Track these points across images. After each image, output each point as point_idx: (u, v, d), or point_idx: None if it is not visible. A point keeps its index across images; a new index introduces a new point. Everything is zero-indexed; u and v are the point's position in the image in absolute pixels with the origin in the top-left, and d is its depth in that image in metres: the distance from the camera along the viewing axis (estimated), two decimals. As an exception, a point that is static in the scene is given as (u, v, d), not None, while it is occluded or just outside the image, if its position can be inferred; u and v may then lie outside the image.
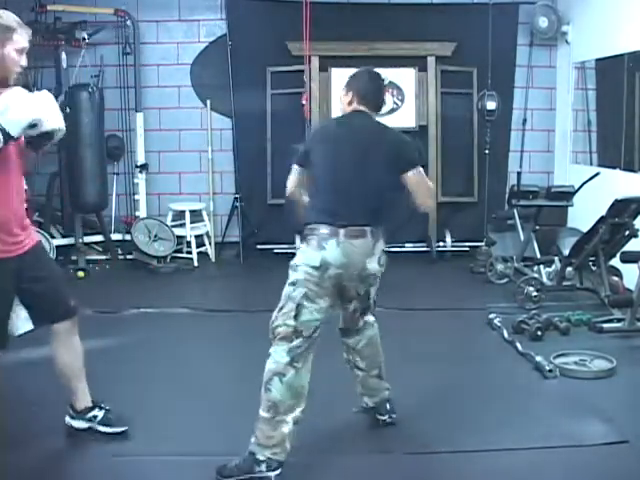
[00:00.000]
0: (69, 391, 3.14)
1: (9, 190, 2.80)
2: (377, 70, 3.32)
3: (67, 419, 3.18)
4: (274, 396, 2.84)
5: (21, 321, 2.94)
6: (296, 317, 2.89)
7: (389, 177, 3.03)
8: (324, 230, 2.92)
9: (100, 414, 3.15)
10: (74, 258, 6.49)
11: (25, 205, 2.95)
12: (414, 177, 3.05)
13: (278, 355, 2.88)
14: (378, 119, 3.29)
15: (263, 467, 2.83)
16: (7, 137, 2.61)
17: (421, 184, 3.08)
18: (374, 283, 3.13)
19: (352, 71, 3.05)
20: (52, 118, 2.73)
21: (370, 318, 3.27)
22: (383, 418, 3.32)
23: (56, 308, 3.00)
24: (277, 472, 2.84)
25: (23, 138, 2.80)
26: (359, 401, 3.37)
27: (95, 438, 3.14)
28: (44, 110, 2.70)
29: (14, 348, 3.10)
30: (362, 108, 3.16)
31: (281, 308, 2.93)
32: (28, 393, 3.58)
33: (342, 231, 2.92)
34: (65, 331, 3.03)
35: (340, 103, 3.24)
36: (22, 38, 2.78)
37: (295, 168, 3.17)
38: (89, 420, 3.15)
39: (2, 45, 2.72)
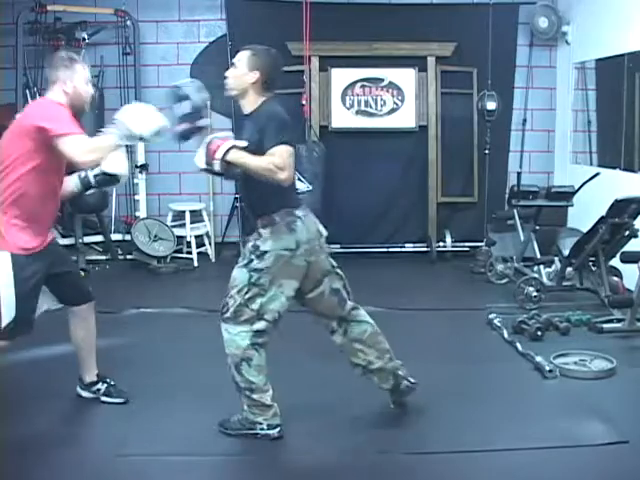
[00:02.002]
0: (80, 364, 3.51)
1: (54, 190, 3.18)
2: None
3: (77, 389, 3.55)
4: (247, 378, 3.08)
5: (50, 299, 3.31)
6: (261, 303, 3.05)
7: None
8: (288, 214, 3.08)
9: (103, 387, 3.52)
10: (74, 258, 6.47)
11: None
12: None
13: (241, 339, 3.06)
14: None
15: (264, 426, 3.13)
16: (139, 138, 3.04)
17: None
18: (326, 249, 3.27)
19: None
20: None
21: (361, 312, 3.37)
22: (405, 385, 3.40)
23: (78, 294, 3.40)
24: (277, 430, 3.13)
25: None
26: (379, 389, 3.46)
27: (99, 438, 3.15)
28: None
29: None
30: (271, 94, 3.19)
31: (245, 293, 3.05)
32: (29, 390, 3.59)
33: (299, 210, 3.12)
34: (84, 312, 3.41)
35: (236, 78, 3.13)
36: (85, 70, 3.21)
37: (288, 148, 3.00)
38: (94, 392, 3.52)
39: (71, 79, 3.15)
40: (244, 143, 3.01)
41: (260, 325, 3.06)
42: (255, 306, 3.05)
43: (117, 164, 3.22)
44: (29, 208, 3.06)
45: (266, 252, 3.04)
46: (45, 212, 3.16)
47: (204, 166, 3.11)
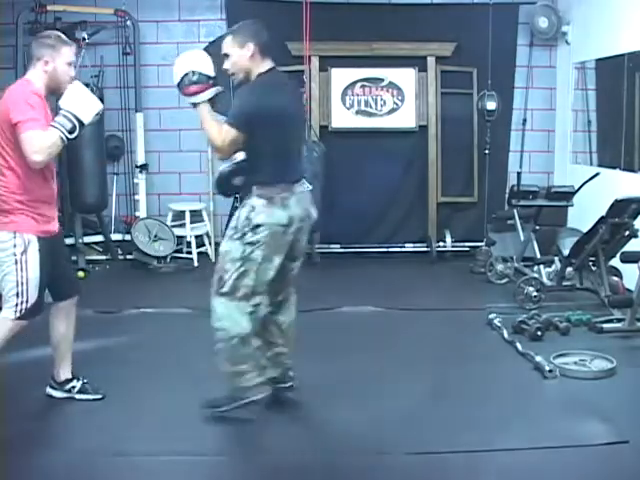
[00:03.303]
0: (56, 361, 3.48)
1: (52, 174, 3.29)
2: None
3: (47, 389, 3.52)
4: (241, 352, 3.16)
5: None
6: (255, 277, 3.09)
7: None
8: (283, 189, 3.13)
9: (78, 384, 3.50)
10: (74, 258, 6.47)
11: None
12: None
13: (239, 314, 3.14)
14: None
15: (250, 394, 3.20)
16: (82, 125, 3.09)
17: None
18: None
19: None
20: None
21: (293, 299, 3.43)
22: (285, 386, 3.45)
23: (69, 286, 3.43)
24: (264, 394, 3.23)
25: None
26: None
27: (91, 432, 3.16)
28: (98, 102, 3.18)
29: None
30: (270, 63, 3.22)
31: (239, 266, 3.10)
32: (28, 393, 3.59)
33: (295, 186, 3.15)
34: (69, 306, 3.43)
35: (234, 63, 3.18)
36: (70, 53, 3.20)
37: (234, 132, 3.08)
38: (68, 391, 3.49)
39: (53, 60, 3.13)
40: (215, 90, 3.17)
41: (256, 299, 3.15)
42: (250, 281, 3.11)
43: (86, 110, 3.12)
44: (35, 192, 3.13)
45: (259, 225, 3.08)
46: (46, 196, 3.21)
47: (176, 83, 3.20)
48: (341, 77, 6.89)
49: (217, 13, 7.02)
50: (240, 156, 3.23)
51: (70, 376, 3.50)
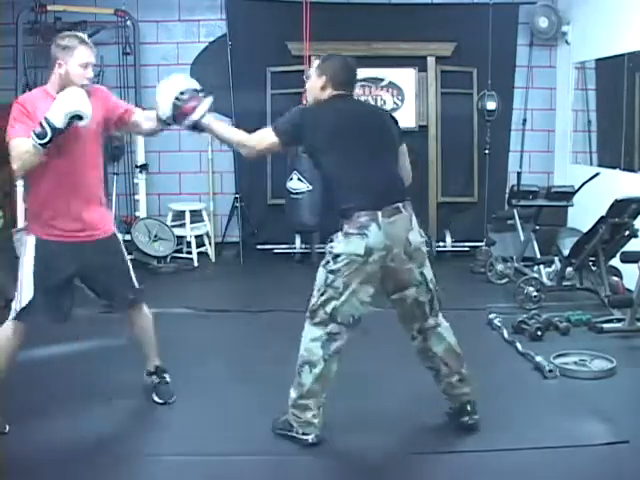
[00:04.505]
0: (143, 355, 3.57)
1: (74, 181, 3.12)
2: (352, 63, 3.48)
3: (144, 376, 3.58)
4: (303, 381, 3.04)
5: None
6: (334, 306, 3.00)
7: (396, 152, 3.20)
8: (363, 216, 2.96)
9: (156, 382, 3.53)
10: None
11: (97, 196, 3.27)
12: (404, 148, 3.26)
13: (312, 343, 3.03)
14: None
15: (299, 430, 3.08)
16: (53, 129, 2.90)
17: (406, 154, 3.29)
18: (424, 261, 3.12)
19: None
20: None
21: (444, 323, 3.25)
22: (465, 420, 3.25)
23: (114, 295, 3.35)
24: (312, 436, 3.06)
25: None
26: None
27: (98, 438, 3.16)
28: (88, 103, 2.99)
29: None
30: (342, 92, 3.22)
31: (321, 294, 3.03)
32: (39, 390, 3.59)
33: (380, 213, 2.97)
34: (134, 315, 3.44)
35: (309, 88, 3.30)
36: (84, 54, 3.10)
37: (274, 138, 3.11)
38: (151, 383, 3.55)
39: (65, 62, 3.06)
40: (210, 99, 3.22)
41: (333, 328, 3.02)
42: (329, 309, 3.01)
43: (58, 112, 2.95)
44: (46, 199, 3.11)
45: (338, 255, 2.99)
46: (64, 202, 3.11)
47: (166, 118, 3.26)
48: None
49: (217, 13, 7.02)
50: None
51: (152, 370, 3.55)
